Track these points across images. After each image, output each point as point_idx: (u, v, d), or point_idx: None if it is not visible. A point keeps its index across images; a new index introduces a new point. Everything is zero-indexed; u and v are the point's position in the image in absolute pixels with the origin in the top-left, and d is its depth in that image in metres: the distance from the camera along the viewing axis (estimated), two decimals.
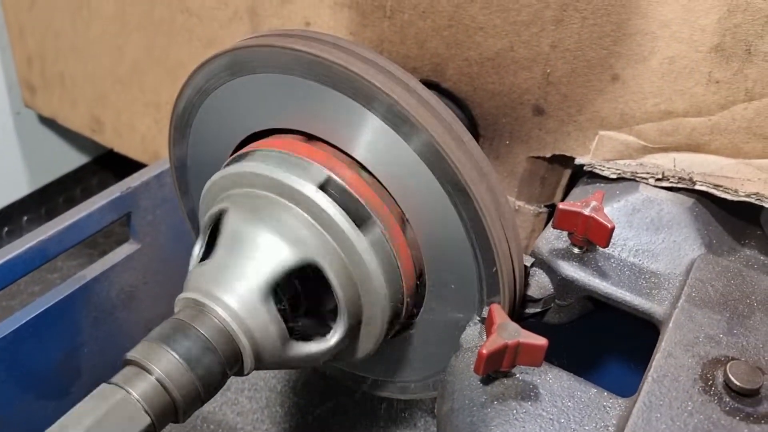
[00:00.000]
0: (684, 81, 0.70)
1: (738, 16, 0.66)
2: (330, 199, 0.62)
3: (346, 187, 0.62)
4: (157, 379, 0.54)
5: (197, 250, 0.68)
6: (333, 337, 0.63)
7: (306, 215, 0.62)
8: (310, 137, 0.67)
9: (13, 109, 1.41)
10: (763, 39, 0.65)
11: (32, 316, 0.83)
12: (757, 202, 0.70)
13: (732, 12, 0.66)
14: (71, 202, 1.59)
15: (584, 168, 0.78)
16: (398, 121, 0.61)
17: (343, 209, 0.62)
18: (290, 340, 0.62)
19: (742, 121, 0.69)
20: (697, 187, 0.72)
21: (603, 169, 0.77)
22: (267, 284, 0.60)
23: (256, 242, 0.62)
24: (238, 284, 0.60)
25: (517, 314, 0.67)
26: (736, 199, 0.71)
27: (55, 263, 1.39)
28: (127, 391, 0.53)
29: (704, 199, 0.73)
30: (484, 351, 0.53)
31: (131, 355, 0.55)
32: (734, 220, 0.74)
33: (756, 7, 0.64)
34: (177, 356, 0.55)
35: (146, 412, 0.53)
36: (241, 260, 0.61)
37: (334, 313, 0.64)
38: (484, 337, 0.59)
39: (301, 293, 0.66)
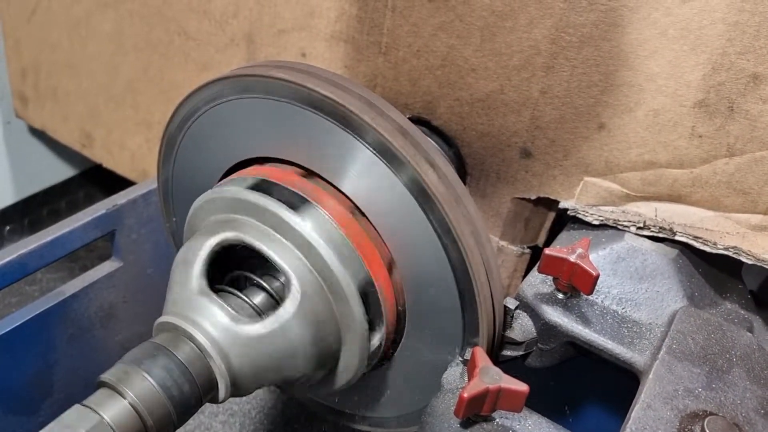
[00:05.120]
0: (668, 133, 0.72)
1: (722, 74, 0.68)
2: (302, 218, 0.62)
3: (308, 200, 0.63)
4: (130, 403, 0.53)
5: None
6: (287, 307, 0.60)
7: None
8: (305, 171, 0.67)
9: (4, 118, 1.41)
10: (745, 97, 0.67)
11: (7, 330, 0.82)
12: (734, 256, 0.71)
13: (716, 70, 0.68)
14: (56, 215, 1.58)
15: (568, 212, 0.80)
16: (389, 156, 0.61)
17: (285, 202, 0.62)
18: (243, 318, 0.60)
19: (723, 175, 0.71)
20: (677, 238, 0.73)
21: (586, 214, 0.78)
22: (199, 270, 0.61)
23: (198, 247, 0.63)
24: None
25: (495, 355, 0.68)
26: (714, 251, 0.72)
27: (35, 275, 1.37)
28: (99, 414, 0.52)
29: (688, 251, 0.74)
30: (465, 395, 0.53)
31: (105, 377, 0.55)
32: (716, 273, 0.76)
33: (739, 66, 0.66)
34: (151, 380, 0.55)
35: None
36: (187, 270, 0.62)
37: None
38: (466, 379, 0.59)
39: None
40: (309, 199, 0.63)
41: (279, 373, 0.63)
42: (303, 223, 0.61)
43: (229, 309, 0.60)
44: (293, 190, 0.64)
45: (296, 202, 0.63)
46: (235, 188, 0.65)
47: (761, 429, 0.56)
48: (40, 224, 1.55)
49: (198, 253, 0.62)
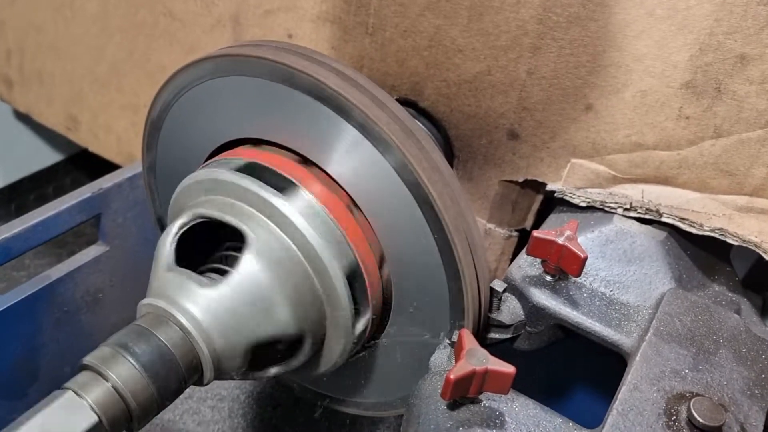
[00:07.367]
0: (655, 115, 0.71)
1: (709, 55, 0.67)
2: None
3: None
4: (113, 386, 0.53)
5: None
6: (246, 258, 0.61)
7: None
8: (291, 152, 0.67)
9: None
10: (732, 78, 0.67)
11: None
12: (720, 237, 0.71)
13: (704, 51, 0.67)
14: (42, 200, 1.56)
15: (555, 194, 0.79)
16: (374, 138, 0.61)
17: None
18: (208, 282, 0.60)
19: (710, 157, 0.71)
20: (663, 219, 0.73)
21: (573, 196, 0.78)
22: (168, 248, 0.62)
23: (171, 227, 0.63)
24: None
25: (480, 337, 0.68)
26: (701, 233, 0.72)
27: (22, 261, 1.37)
28: (82, 397, 0.52)
29: (676, 233, 0.74)
30: (452, 376, 0.53)
31: (88, 360, 0.55)
32: (705, 255, 0.76)
33: (727, 47, 0.66)
34: (135, 363, 0.55)
35: (99, 419, 0.52)
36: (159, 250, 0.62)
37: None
38: (453, 362, 0.59)
39: None
40: (294, 180, 0.63)
41: (259, 328, 0.61)
42: (285, 203, 0.61)
43: (198, 276, 0.60)
44: (278, 171, 0.63)
45: (281, 183, 0.62)
46: (217, 170, 0.64)
47: (747, 410, 0.57)
48: (26, 209, 1.52)
49: (170, 232, 0.63)
